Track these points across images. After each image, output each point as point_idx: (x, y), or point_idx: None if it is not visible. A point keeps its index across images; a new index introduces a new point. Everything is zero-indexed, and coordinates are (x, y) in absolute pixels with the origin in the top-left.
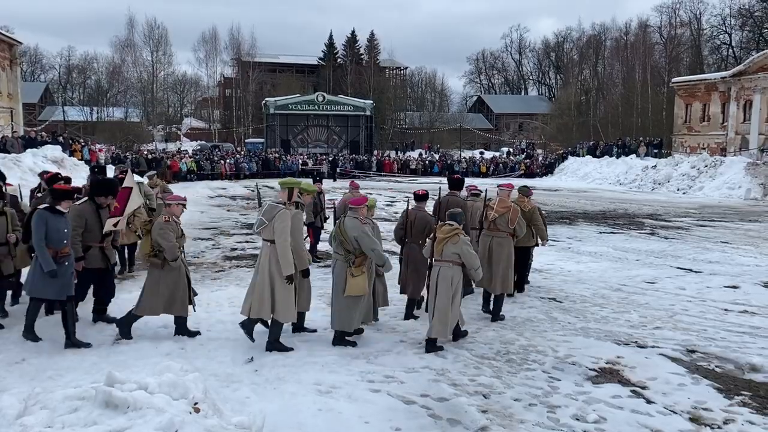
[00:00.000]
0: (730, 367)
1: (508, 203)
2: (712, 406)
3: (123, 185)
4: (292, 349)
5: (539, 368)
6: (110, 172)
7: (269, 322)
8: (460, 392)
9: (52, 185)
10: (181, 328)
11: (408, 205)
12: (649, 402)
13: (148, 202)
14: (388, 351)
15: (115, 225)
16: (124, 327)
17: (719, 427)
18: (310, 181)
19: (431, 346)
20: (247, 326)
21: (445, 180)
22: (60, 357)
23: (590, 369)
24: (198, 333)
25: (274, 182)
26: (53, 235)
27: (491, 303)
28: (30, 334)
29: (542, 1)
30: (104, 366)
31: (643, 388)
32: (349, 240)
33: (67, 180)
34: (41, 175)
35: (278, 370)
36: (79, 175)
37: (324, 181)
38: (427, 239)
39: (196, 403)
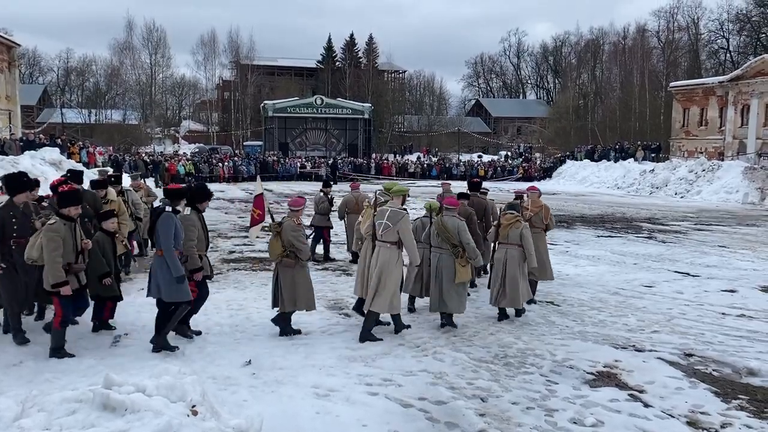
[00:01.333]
0: (727, 371)
1: (540, 203)
2: (709, 410)
3: (255, 193)
4: (381, 339)
5: (537, 372)
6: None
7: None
8: (457, 395)
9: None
10: (287, 326)
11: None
12: (646, 406)
13: (134, 209)
14: (386, 354)
15: (263, 228)
16: (285, 326)
17: (716, 431)
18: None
19: (503, 314)
20: (397, 322)
21: (442, 183)
22: (57, 360)
23: (588, 372)
24: (199, 332)
25: (273, 185)
26: (178, 238)
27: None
28: (166, 342)
29: (538, 5)
30: (101, 368)
31: (641, 391)
32: (454, 235)
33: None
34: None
35: (276, 373)
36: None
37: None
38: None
39: (194, 406)
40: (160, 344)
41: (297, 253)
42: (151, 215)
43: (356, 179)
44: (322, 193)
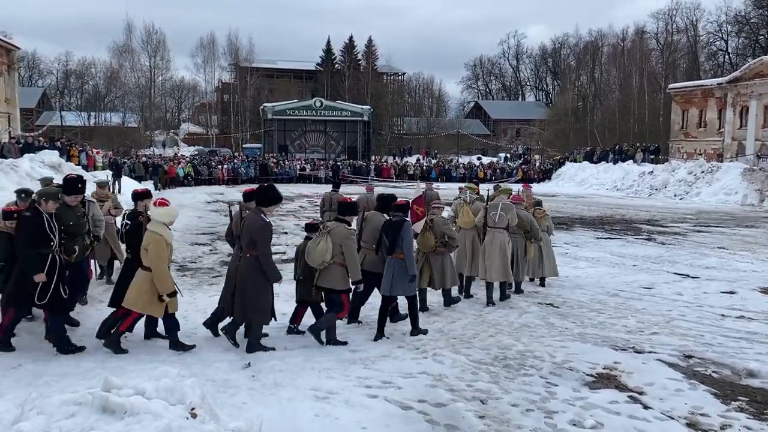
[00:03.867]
0: (727, 373)
1: (533, 198)
2: (709, 412)
3: (416, 194)
4: (509, 297)
5: (537, 374)
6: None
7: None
8: (457, 398)
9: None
10: (448, 299)
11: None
12: (646, 407)
13: (93, 227)
14: (386, 356)
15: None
16: (449, 297)
17: None
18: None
19: (543, 283)
20: (491, 293)
21: (443, 185)
22: (56, 362)
23: (587, 374)
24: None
25: None
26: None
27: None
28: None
29: (533, 8)
30: (100, 371)
31: (641, 393)
32: (527, 224)
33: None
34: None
35: (275, 375)
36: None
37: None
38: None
39: (193, 409)
40: (419, 331)
41: (450, 242)
42: (386, 227)
43: (353, 183)
44: (333, 193)
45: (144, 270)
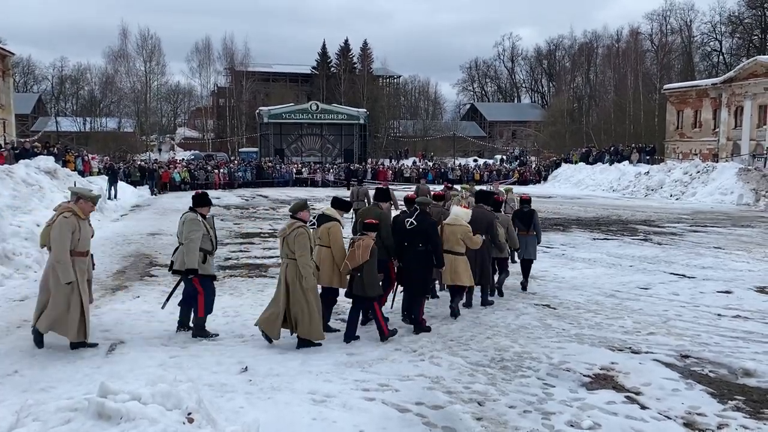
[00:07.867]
0: (723, 372)
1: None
2: (705, 411)
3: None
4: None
5: (534, 375)
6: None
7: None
8: (454, 400)
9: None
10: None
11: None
12: (643, 407)
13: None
14: (383, 359)
15: None
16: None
17: None
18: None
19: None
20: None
21: (439, 187)
22: (53, 369)
23: (584, 375)
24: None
25: (269, 191)
26: None
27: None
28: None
29: (522, 10)
30: (97, 377)
31: (638, 393)
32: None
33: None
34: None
35: (272, 379)
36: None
37: (336, 189)
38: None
39: (189, 414)
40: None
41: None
42: (520, 215)
43: (352, 186)
44: (359, 187)
45: (460, 255)
